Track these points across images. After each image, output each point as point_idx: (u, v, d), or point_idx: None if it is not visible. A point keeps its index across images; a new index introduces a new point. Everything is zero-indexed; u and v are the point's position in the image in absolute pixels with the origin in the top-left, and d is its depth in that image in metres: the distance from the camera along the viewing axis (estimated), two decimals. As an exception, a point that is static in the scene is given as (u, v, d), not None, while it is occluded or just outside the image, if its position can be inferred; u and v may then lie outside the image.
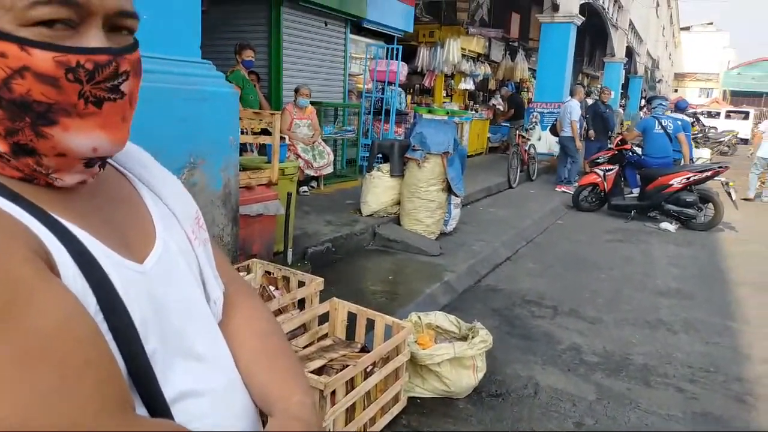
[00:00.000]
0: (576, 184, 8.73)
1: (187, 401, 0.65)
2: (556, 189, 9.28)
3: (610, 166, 7.87)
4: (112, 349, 0.56)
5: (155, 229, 0.71)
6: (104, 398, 0.52)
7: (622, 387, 3.10)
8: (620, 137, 8.41)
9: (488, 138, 12.90)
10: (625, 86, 23.18)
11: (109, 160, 0.70)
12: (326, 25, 7.97)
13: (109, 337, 0.57)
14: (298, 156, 6.46)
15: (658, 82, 31.62)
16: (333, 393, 2.14)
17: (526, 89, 15.98)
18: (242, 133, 4.95)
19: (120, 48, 0.59)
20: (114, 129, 0.60)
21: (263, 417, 0.78)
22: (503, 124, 12.75)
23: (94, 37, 0.57)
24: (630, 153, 8.03)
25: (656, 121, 7.75)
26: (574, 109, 9.10)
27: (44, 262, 0.53)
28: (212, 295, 0.78)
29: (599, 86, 17.07)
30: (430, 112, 8.87)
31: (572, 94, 9.64)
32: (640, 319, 4.12)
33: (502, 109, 13.46)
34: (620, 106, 19.45)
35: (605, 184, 7.82)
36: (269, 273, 3.12)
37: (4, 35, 0.52)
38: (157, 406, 0.62)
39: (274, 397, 0.76)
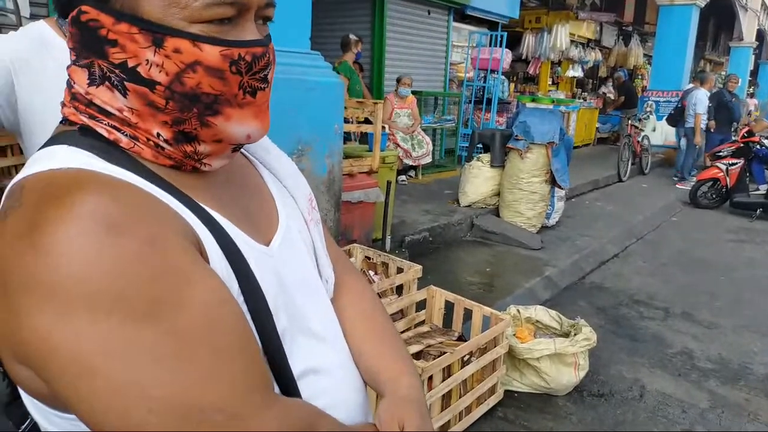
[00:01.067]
0: (693, 179, 8.09)
1: (310, 378, 0.68)
2: (677, 186, 8.64)
3: (734, 160, 7.21)
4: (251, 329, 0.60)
5: (278, 212, 0.74)
6: (252, 379, 0.55)
7: (739, 397, 2.86)
8: (747, 128, 7.68)
9: (597, 128, 12.25)
10: (755, 73, 21.04)
11: None
12: (429, 14, 7.93)
13: (248, 318, 0.60)
14: (398, 145, 6.52)
15: (795, 67, 28.39)
16: (430, 378, 2.15)
17: (640, 76, 14.99)
18: (346, 122, 5.09)
19: (266, 38, 0.62)
20: (263, 116, 0.63)
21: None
22: (613, 113, 12.06)
23: (250, 30, 0.59)
24: (758, 146, 7.31)
25: None
26: (700, 100, 8.33)
27: (196, 249, 0.56)
28: (324, 274, 0.81)
29: (723, 73, 15.68)
30: (533, 100, 8.58)
31: (702, 82, 8.77)
32: (764, 326, 3.76)
33: (612, 97, 12.73)
34: (748, 94, 17.71)
35: (728, 179, 7.19)
36: (369, 258, 3.18)
37: (178, 32, 0.55)
38: (287, 383, 0.65)
39: (383, 377, 0.79)
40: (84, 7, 0.56)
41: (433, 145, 7.52)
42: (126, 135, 0.59)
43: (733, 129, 8.71)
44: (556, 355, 2.66)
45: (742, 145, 7.31)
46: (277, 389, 0.64)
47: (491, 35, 8.24)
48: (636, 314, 3.88)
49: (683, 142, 8.92)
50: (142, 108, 0.58)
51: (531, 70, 11.90)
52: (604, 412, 2.67)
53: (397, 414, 0.73)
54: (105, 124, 0.59)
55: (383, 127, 5.51)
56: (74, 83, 0.60)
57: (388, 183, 4.26)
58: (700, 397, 2.85)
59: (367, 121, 4.75)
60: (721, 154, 7.46)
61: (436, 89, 8.36)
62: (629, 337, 3.51)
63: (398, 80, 6.72)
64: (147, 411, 0.48)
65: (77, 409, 0.50)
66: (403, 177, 6.77)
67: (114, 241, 0.49)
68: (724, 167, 7.23)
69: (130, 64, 0.56)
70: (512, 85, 10.73)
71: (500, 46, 7.98)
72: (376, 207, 4.17)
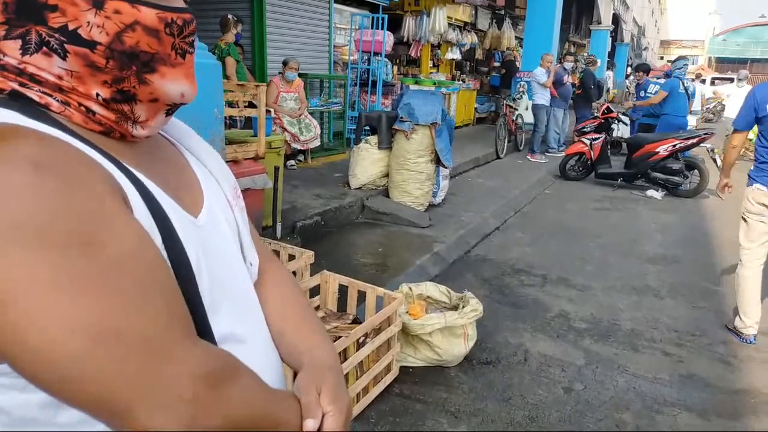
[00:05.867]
0: (561, 153, 8.74)
1: (230, 344, 0.70)
2: (528, 158, 9.32)
3: (597, 135, 7.89)
4: None
5: (202, 192, 0.78)
6: (174, 316, 0.59)
7: (610, 352, 3.16)
8: (605, 105, 8.42)
9: (476, 108, 12.82)
10: (612, 54, 23.06)
11: (160, 131, 0.79)
12: (310, -5, 7.81)
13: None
14: (285, 129, 6.38)
15: (644, 49, 31.49)
16: (326, 364, 2.15)
17: (513, 58, 15.84)
18: (231, 106, 4.88)
19: (191, 9, 0.68)
20: (192, 78, 0.69)
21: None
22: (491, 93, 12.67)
23: (177, 1, 0.66)
24: (616, 121, 8.09)
25: (680, 82, 8.06)
26: (538, 76, 9.02)
27: (121, 199, 0.59)
28: (248, 257, 0.84)
29: (585, 54, 17.01)
30: (417, 83, 8.77)
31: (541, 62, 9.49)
32: (628, 285, 4.18)
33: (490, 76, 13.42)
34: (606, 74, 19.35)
35: (592, 153, 7.85)
36: (259, 247, 3.10)
37: None
38: (208, 341, 0.67)
39: (301, 350, 0.84)
40: None
41: (321, 128, 7.45)
42: (57, 100, 0.62)
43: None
44: (447, 328, 2.77)
45: (602, 121, 8.00)
46: None
47: (373, 18, 8.27)
48: (518, 282, 4.14)
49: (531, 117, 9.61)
50: (82, 69, 0.61)
51: (413, 53, 12.12)
52: (493, 379, 2.83)
53: (315, 380, 0.77)
54: (36, 90, 0.62)
55: (268, 111, 5.37)
56: (3, 56, 0.61)
57: (276, 168, 4.17)
58: (577, 356, 3.10)
59: (252, 105, 4.59)
60: (585, 129, 8.12)
61: (321, 72, 8.28)
62: (512, 304, 3.74)
63: (284, 63, 6.54)
64: (70, 331, 0.51)
65: (5, 341, 0.51)
66: (292, 162, 6.66)
67: (39, 178, 0.52)
68: (588, 142, 7.88)
69: (71, 27, 0.59)
70: (395, 68, 10.89)
71: (382, 28, 8.04)
72: (265, 193, 4.07)
